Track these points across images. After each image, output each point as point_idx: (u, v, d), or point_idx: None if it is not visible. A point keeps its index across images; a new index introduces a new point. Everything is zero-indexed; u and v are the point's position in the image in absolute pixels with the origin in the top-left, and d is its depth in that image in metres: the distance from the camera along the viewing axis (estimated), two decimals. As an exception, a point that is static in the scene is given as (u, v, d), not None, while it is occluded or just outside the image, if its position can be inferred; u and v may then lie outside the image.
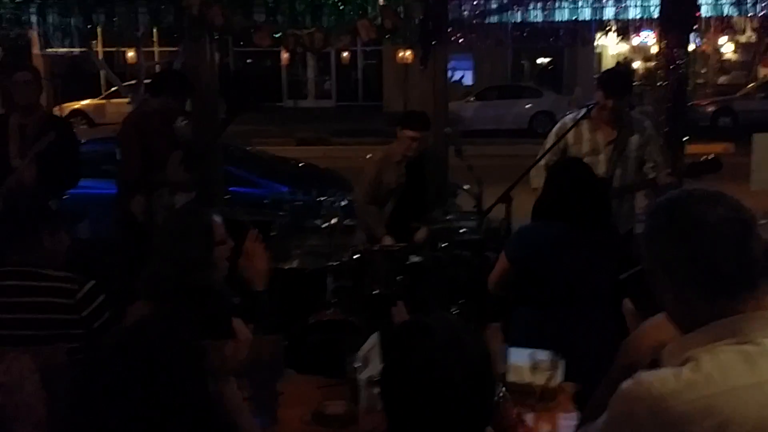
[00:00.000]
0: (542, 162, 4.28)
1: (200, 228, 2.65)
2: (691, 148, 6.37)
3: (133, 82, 12.97)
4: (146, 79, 11.31)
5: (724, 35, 18.28)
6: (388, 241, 4.44)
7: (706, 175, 4.06)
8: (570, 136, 4.34)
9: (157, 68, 14.12)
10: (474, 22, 5.32)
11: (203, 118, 5.51)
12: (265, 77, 24.06)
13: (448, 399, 1.42)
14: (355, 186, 8.04)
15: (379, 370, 1.56)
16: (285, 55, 8.82)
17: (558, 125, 4.50)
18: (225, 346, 1.58)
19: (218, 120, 5.89)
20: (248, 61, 24.82)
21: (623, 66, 21.92)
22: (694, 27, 5.18)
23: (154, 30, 5.84)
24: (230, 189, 7.01)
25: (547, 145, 4.36)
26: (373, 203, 4.70)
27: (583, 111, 4.35)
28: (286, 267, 4.30)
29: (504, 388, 2.03)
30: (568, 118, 4.46)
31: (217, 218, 2.68)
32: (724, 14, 5.11)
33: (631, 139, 4.27)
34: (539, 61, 24.82)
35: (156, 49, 17.47)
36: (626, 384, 1.37)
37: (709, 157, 4.09)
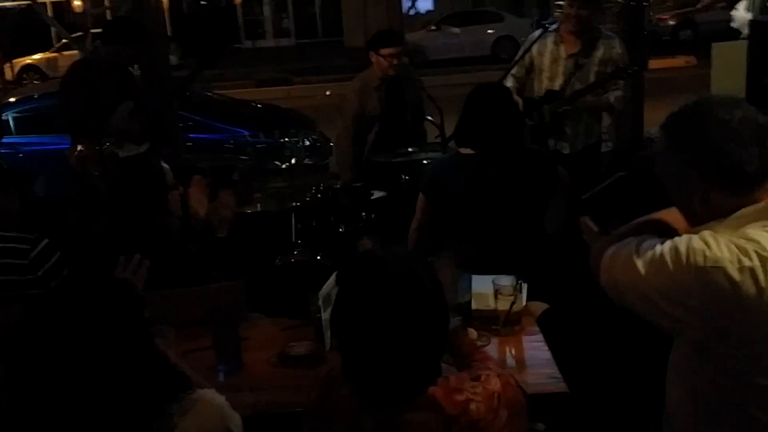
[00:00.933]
0: (510, 75, 4.36)
1: (154, 173, 2.64)
2: (654, 63, 6.33)
3: (80, 33, 12.57)
4: (93, 28, 10.94)
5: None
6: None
7: (629, 77, 4.10)
8: (535, 48, 4.36)
9: (107, 15, 13.68)
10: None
11: (153, 64, 5.35)
12: (221, 18, 23.47)
13: (402, 328, 1.41)
14: (327, 125, 7.96)
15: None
16: (237, -6, 8.59)
17: (527, 40, 4.51)
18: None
19: (169, 65, 5.74)
20: (201, 2, 24.15)
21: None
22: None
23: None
24: (190, 136, 6.90)
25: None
26: (358, 135, 4.61)
27: (553, 26, 4.34)
28: (249, 211, 4.24)
29: (460, 318, 2.04)
30: (536, 33, 4.46)
31: (165, 165, 2.65)
32: None
33: (594, 53, 4.24)
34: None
35: (105, -4, 16.91)
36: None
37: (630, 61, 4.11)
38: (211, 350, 2.29)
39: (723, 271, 1.44)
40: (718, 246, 1.47)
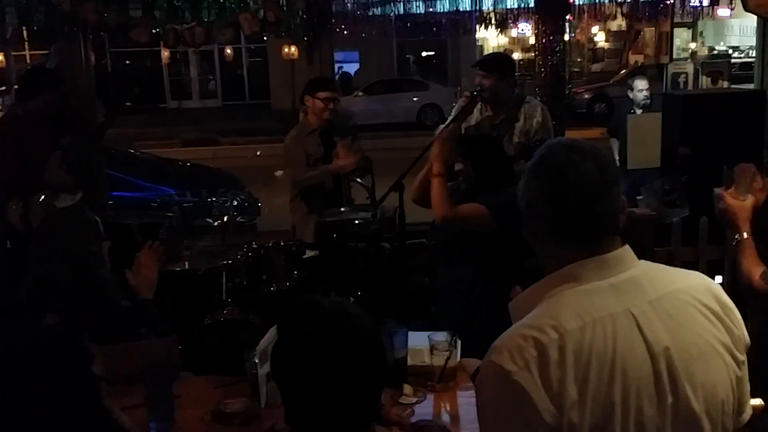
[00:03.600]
0: None
1: (89, 224, 2.61)
2: (571, 134, 6.60)
3: (2, 88, 12.32)
4: (17, 84, 10.74)
5: (596, 24, 19.11)
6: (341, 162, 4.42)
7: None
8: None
9: (29, 71, 13.42)
10: (357, 14, 5.32)
11: (81, 120, 5.28)
12: (146, 78, 23.33)
13: (340, 368, 1.43)
14: (254, 185, 7.96)
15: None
16: (165, 54, 8.61)
17: (456, 105, 4.61)
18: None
19: (96, 122, 5.68)
20: (127, 62, 23.98)
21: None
22: (568, 15, 5.38)
23: (24, 31, 5.52)
24: (114, 194, 6.77)
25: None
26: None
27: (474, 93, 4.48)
28: (177, 269, 4.17)
29: None
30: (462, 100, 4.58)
31: (96, 217, 2.63)
32: (596, 1, 5.33)
33: (515, 124, 4.36)
34: (424, 54, 25.22)
35: (27, 52, 16.60)
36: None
37: (537, 139, 4.21)
38: (143, 407, 2.23)
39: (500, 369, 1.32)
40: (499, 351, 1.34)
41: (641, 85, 6.75)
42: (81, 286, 2.42)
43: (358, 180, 5.05)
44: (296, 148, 4.62)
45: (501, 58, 5.35)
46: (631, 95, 6.87)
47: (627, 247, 1.43)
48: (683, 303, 1.41)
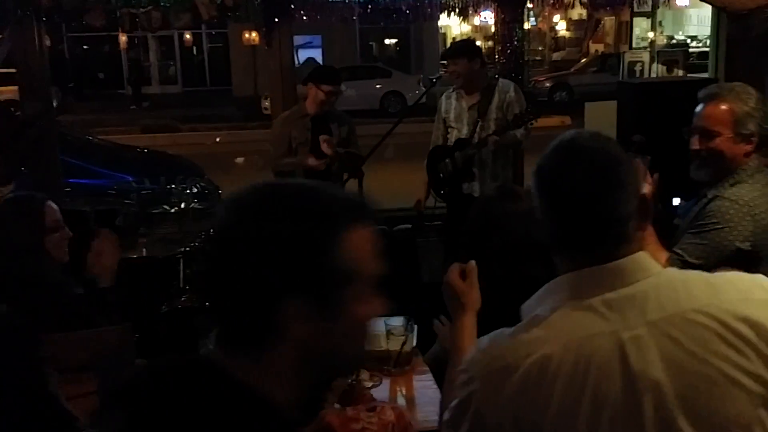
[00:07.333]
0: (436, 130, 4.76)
1: (26, 213, 2.55)
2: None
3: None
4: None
5: (557, 12, 19.27)
6: (312, 161, 4.39)
7: (526, 124, 4.32)
8: (443, 106, 4.68)
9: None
10: (317, -1, 5.29)
11: (33, 106, 5.17)
12: (104, 63, 22.93)
13: None
14: (215, 172, 7.90)
15: None
16: (123, 38, 8.45)
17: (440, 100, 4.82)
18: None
19: (52, 109, 5.57)
20: (84, 47, 23.53)
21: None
22: (528, 2, 5.41)
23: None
24: (71, 181, 6.65)
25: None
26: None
27: (437, 76, 4.63)
28: (134, 256, 4.13)
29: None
30: (446, 93, 4.77)
31: (52, 204, 2.56)
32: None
33: (492, 102, 4.51)
34: (386, 41, 25.20)
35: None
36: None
37: (528, 108, 4.37)
38: (95, 395, 2.21)
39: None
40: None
41: None
42: (19, 276, 2.37)
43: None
44: (281, 129, 4.64)
45: (464, 42, 5.61)
46: None
47: (640, 255, 1.28)
48: (696, 325, 1.22)
